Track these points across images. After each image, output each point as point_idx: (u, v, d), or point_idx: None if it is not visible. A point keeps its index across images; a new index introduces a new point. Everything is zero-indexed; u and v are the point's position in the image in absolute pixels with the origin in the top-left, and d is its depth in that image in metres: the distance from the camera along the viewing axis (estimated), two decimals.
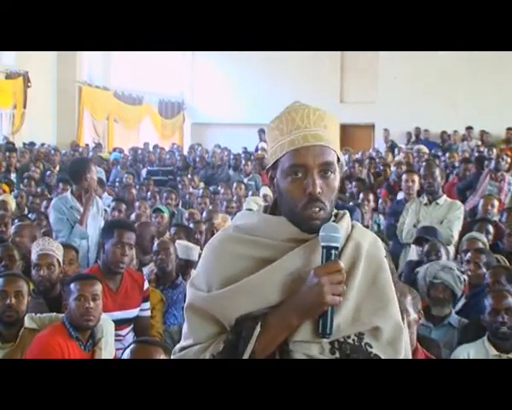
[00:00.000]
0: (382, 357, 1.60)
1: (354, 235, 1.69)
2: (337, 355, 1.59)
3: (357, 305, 1.62)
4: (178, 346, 1.71)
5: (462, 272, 4.05)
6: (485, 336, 3.65)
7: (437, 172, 5.69)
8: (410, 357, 1.76)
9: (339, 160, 1.67)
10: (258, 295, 1.60)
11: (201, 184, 9.62)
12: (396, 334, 1.64)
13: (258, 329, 1.57)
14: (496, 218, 6.05)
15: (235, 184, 8.54)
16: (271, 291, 1.60)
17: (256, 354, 1.57)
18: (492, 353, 3.57)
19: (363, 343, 1.60)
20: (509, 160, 8.25)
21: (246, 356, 1.56)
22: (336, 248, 1.58)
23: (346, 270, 1.61)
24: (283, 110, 1.68)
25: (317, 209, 1.61)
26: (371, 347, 1.60)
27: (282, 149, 1.63)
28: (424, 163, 6.28)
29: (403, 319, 1.72)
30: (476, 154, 10.49)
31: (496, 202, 6.22)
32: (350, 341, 1.60)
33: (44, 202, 6.93)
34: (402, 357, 1.64)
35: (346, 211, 1.74)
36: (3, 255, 4.37)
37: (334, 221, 1.66)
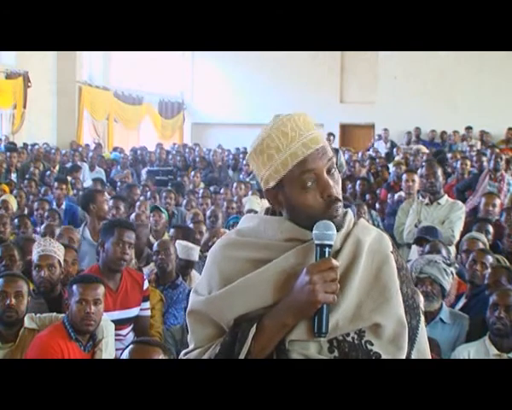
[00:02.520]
0: (383, 355, 1.58)
1: (355, 231, 1.67)
2: (336, 354, 1.57)
3: (357, 301, 1.59)
4: (183, 352, 1.72)
5: (449, 265, 4.02)
6: (487, 335, 3.66)
7: (439, 171, 5.70)
8: (429, 357, 1.73)
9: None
10: (252, 296, 1.60)
11: (201, 185, 9.63)
12: (399, 330, 1.61)
13: (253, 330, 1.56)
14: (497, 217, 6.04)
15: (235, 185, 8.55)
16: (266, 291, 1.59)
17: (252, 356, 1.56)
18: (493, 352, 3.57)
19: (363, 341, 1.58)
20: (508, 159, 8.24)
21: (241, 358, 1.56)
22: (330, 245, 1.57)
23: (345, 266, 1.61)
24: (265, 131, 1.63)
25: (338, 209, 1.62)
26: (372, 344, 1.58)
27: (286, 166, 1.61)
28: (425, 163, 6.27)
29: (419, 316, 1.69)
30: (468, 153, 10.46)
31: (498, 201, 6.19)
32: (349, 339, 1.58)
33: (36, 204, 6.81)
34: (405, 354, 1.62)
35: (349, 209, 1.73)
36: (4, 255, 4.36)
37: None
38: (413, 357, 1.67)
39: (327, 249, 1.56)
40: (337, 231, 1.61)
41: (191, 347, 1.69)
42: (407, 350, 1.64)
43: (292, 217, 1.66)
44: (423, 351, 1.70)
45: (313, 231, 1.57)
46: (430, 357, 1.74)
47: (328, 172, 1.63)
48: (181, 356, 1.72)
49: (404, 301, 1.66)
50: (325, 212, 1.61)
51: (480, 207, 6.16)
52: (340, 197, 1.64)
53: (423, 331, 1.71)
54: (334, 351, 1.58)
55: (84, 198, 5.86)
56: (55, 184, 7.65)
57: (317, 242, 1.57)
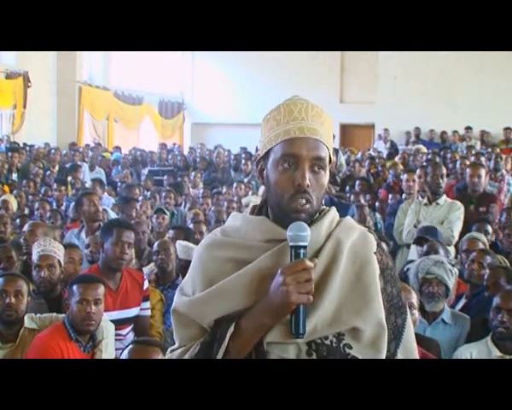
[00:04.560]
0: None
1: (336, 232, 1.66)
2: (314, 357, 1.57)
3: (338, 304, 1.59)
4: (169, 349, 1.74)
5: (453, 265, 4.04)
6: (489, 336, 3.65)
7: (444, 172, 5.74)
8: (417, 355, 1.72)
9: (330, 160, 1.67)
10: (231, 298, 1.60)
11: (201, 185, 9.63)
12: (377, 333, 1.60)
13: (231, 330, 1.57)
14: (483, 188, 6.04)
15: (235, 185, 8.58)
16: (243, 294, 1.60)
17: (231, 356, 1.57)
18: (495, 353, 3.56)
19: (341, 345, 1.58)
20: (509, 160, 8.24)
21: (219, 357, 1.56)
22: (304, 247, 1.56)
23: (324, 268, 1.60)
24: (282, 102, 1.68)
25: (304, 202, 1.60)
26: (351, 348, 1.58)
27: (277, 138, 1.63)
28: (430, 163, 6.28)
29: (405, 315, 1.68)
30: (466, 153, 10.46)
31: (483, 171, 6.14)
32: (327, 342, 1.57)
33: (36, 204, 6.82)
34: (384, 356, 1.61)
35: (333, 207, 1.72)
36: (1, 257, 4.36)
37: (317, 218, 1.65)
38: (399, 356, 1.66)
39: (301, 251, 1.56)
40: (309, 225, 1.59)
41: (175, 345, 1.71)
42: (392, 349, 1.64)
43: (268, 197, 1.68)
44: (410, 349, 1.69)
45: (287, 233, 1.57)
46: (417, 355, 1.73)
47: (313, 168, 1.62)
48: (167, 353, 1.74)
49: (389, 301, 1.65)
50: (290, 201, 1.61)
51: (466, 179, 6.09)
52: (312, 195, 1.61)
53: (410, 329, 1.70)
54: (312, 354, 1.57)
55: (75, 203, 6.06)
56: (55, 185, 7.66)
57: (291, 243, 1.56)
